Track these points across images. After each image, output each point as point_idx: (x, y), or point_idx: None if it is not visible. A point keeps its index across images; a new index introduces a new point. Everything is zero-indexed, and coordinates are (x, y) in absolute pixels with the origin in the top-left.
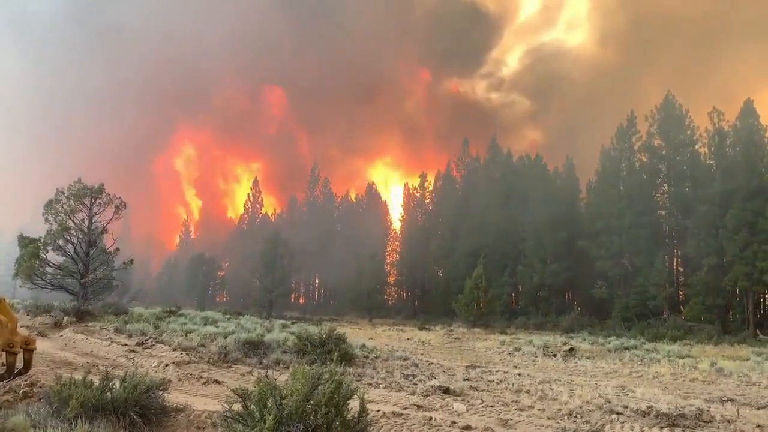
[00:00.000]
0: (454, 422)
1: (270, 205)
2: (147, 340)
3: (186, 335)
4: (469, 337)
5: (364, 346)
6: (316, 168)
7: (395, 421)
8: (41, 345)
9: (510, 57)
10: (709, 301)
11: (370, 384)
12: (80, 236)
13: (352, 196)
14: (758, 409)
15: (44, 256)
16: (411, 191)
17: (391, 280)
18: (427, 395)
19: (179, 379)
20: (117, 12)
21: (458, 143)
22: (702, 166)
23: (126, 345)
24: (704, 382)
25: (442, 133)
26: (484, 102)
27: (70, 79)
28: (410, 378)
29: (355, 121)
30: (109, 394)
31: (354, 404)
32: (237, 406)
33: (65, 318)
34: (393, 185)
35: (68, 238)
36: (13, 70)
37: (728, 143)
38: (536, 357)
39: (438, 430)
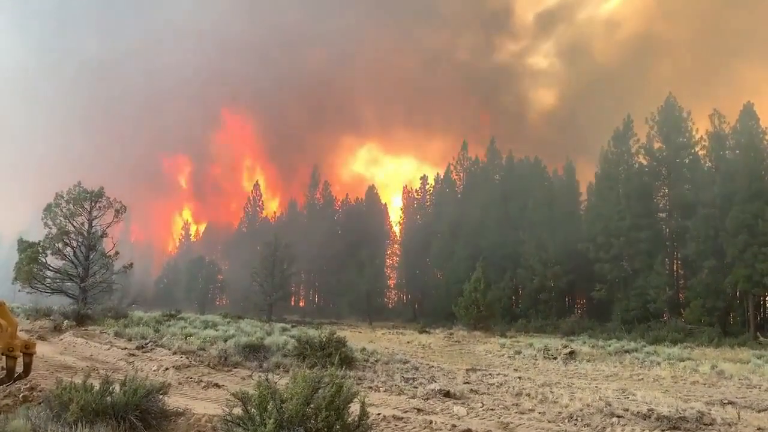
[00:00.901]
0: (454, 425)
1: (270, 208)
2: (147, 343)
3: (186, 339)
4: (470, 340)
5: (364, 349)
6: (317, 170)
7: (395, 425)
8: (41, 349)
9: (526, 30)
10: (709, 304)
11: (370, 387)
12: (80, 240)
13: (352, 199)
14: (759, 411)
15: (43, 260)
16: (410, 193)
17: (391, 283)
18: (427, 398)
19: (179, 383)
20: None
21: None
22: (702, 169)
23: (126, 349)
24: (705, 384)
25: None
26: (501, 71)
27: (70, 81)
28: (410, 381)
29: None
30: (109, 398)
31: (354, 408)
32: (237, 410)
33: (65, 322)
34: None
35: (68, 241)
36: (12, 73)
37: (728, 146)
38: (536, 360)
39: None
